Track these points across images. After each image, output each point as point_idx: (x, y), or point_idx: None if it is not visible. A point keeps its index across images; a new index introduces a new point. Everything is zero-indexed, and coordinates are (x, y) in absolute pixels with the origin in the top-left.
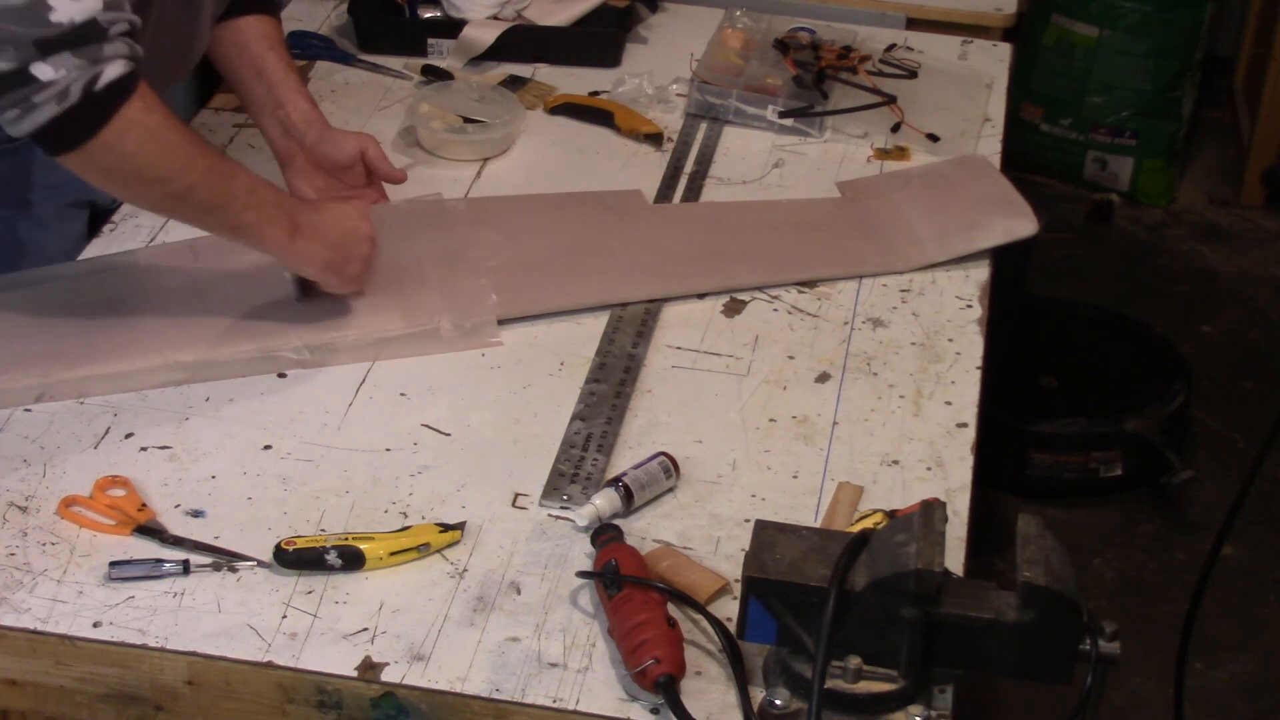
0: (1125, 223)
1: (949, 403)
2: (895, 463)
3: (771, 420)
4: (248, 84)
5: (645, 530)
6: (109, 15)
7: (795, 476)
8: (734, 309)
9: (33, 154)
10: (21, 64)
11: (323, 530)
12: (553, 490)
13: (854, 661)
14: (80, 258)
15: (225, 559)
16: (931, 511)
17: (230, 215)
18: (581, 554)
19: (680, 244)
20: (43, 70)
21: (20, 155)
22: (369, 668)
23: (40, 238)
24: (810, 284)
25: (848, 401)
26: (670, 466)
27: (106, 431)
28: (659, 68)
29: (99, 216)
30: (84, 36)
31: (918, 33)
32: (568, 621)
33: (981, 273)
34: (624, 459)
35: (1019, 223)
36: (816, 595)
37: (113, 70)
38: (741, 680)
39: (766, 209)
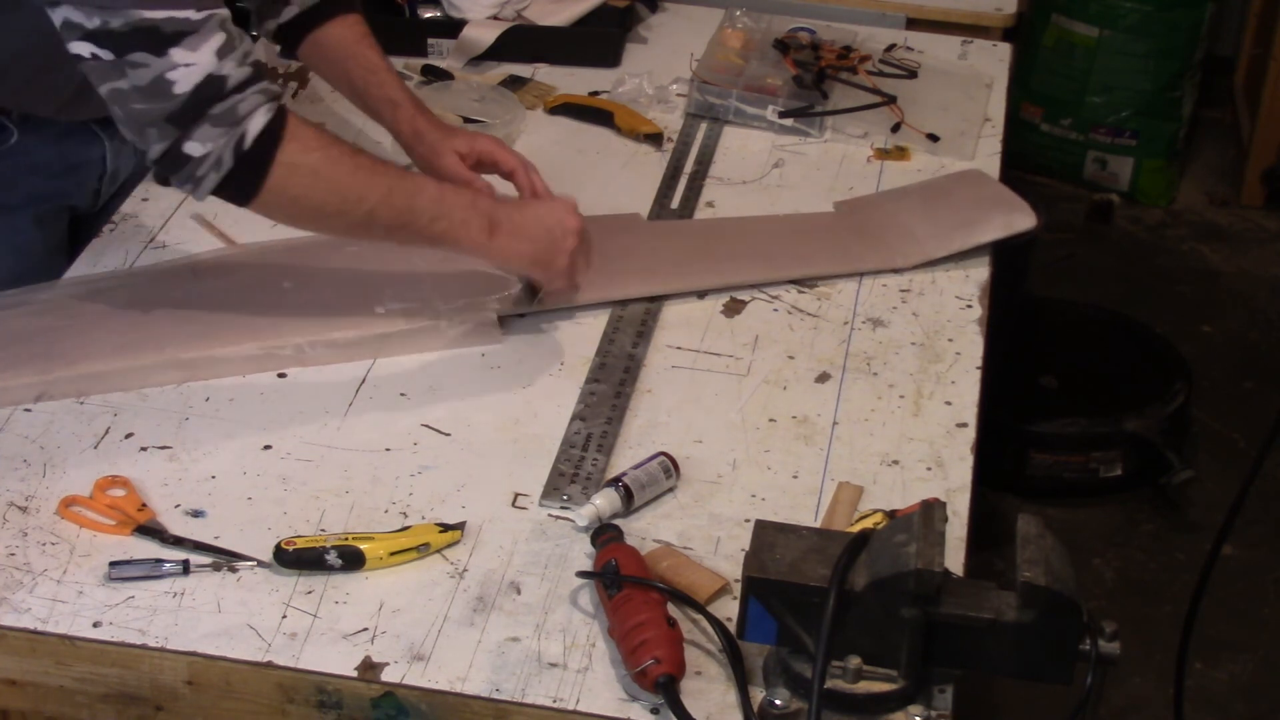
0: (1125, 223)
1: (949, 403)
2: (895, 463)
3: (771, 420)
4: (349, 96)
5: (645, 530)
6: (227, 64)
7: (795, 476)
8: (734, 309)
9: (13, 161)
10: (172, 143)
11: (323, 530)
12: (553, 490)
13: (854, 661)
14: (80, 257)
15: (225, 559)
16: (931, 511)
17: (421, 229)
18: (581, 554)
19: (680, 246)
20: (192, 148)
21: (2, 162)
22: (369, 668)
23: (20, 243)
24: (810, 284)
25: (848, 401)
26: (670, 466)
27: (106, 431)
28: (659, 68)
29: (80, 221)
30: (209, 98)
31: (918, 33)
32: (568, 621)
33: (981, 273)
34: (624, 459)
35: (1017, 217)
36: (816, 595)
37: (255, 124)
38: (741, 680)
39: (764, 222)
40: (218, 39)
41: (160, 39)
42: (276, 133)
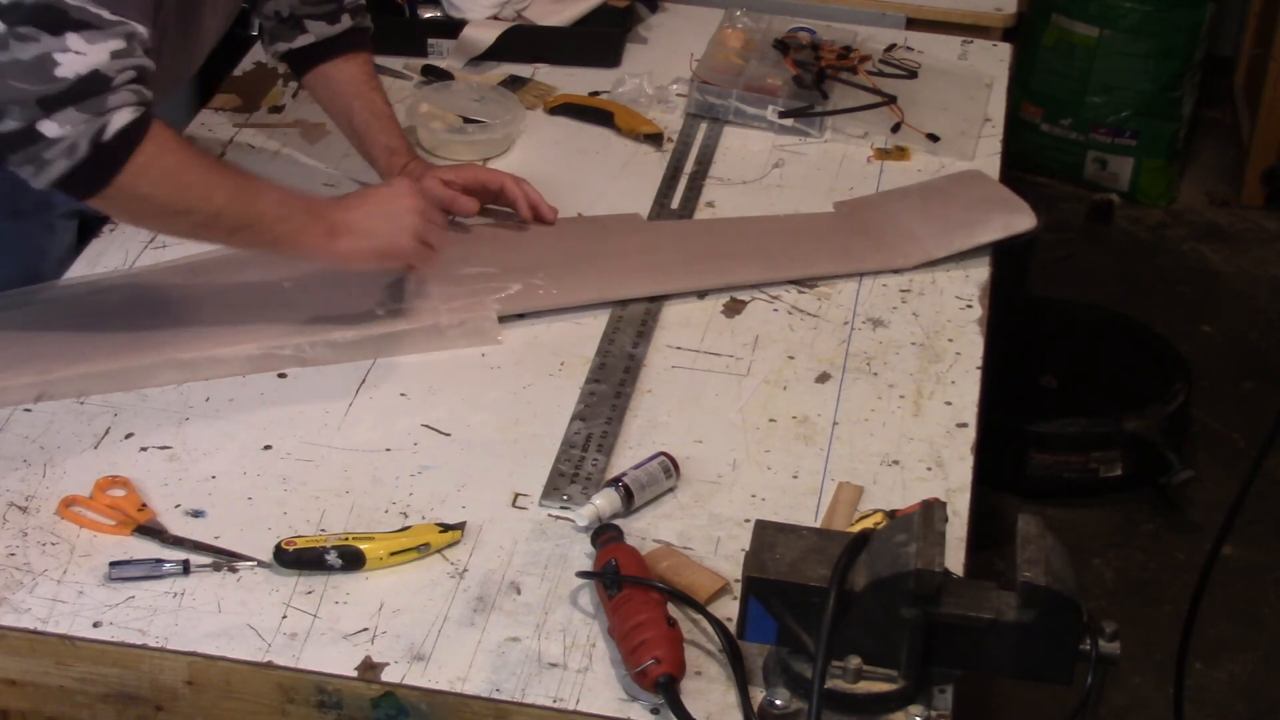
0: (1125, 223)
1: (949, 403)
2: (895, 463)
3: (771, 420)
4: (346, 132)
5: (645, 530)
6: (115, 64)
7: (795, 476)
8: (734, 309)
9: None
10: (28, 122)
11: (323, 530)
12: (553, 490)
13: (854, 661)
14: (80, 257)
15: (225, 559)
16: (931, 511)
17: (263, 232)
18: (581, 554)
19: (680, 246)
20: (48, 128)
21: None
22: (369, 668)
23: (32, 249)
24: (810, 284)
25: (848, 401)
26: (670, 466)
27: (106, 431)
28: (659, 68)
29: (89, 225)
30: (87, 90)
31: (918, 33)
32: (568, 621)
33: (981, 273)
34: (624, 459)
35: (1018, 217)
36: (816, 595)
37: (119, 119)
38: (741, 680)
39: (764, 222)
40: (117, 43)
41: (61, 21)
42: (139, 130)
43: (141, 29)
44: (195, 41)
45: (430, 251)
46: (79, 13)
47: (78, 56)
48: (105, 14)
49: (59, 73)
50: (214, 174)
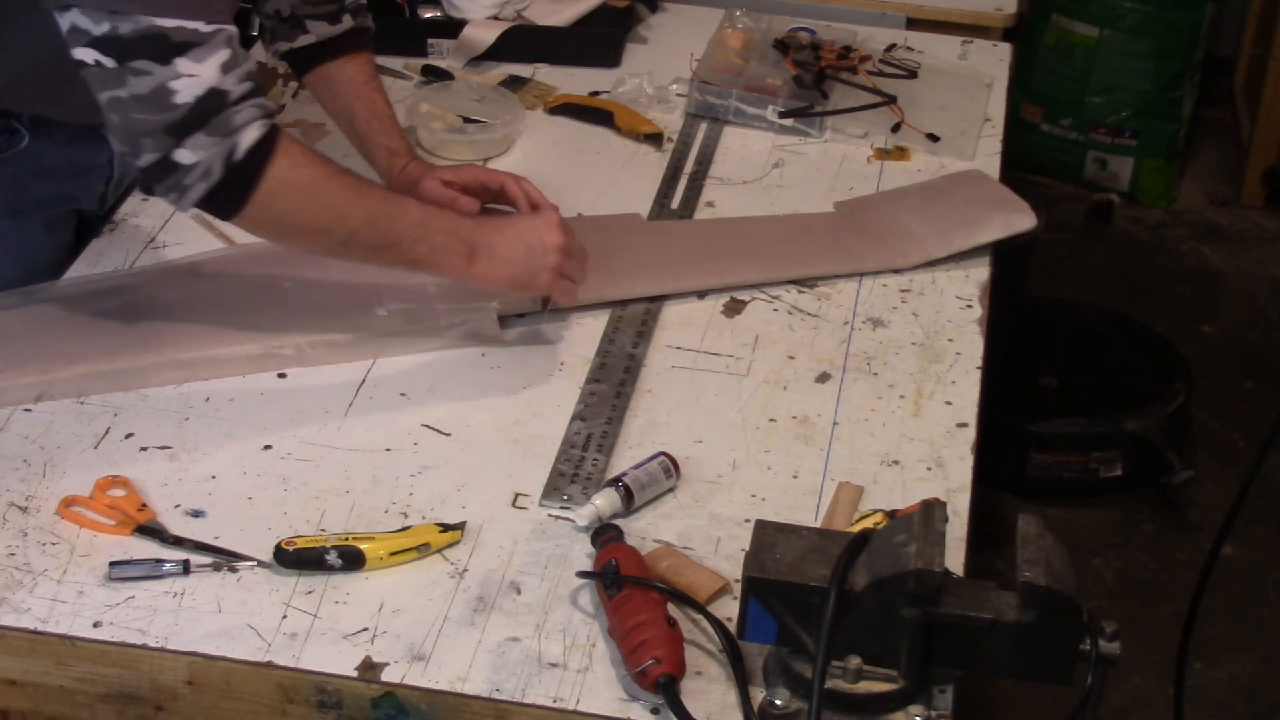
0: (1125, 223)
1: (949, 403)
2: (895, 463)
3: (771, 420)
4: (347, 132)
5: (645, 530)
6: (229, 79)
7: (795, 476)
8: (734, 309)
9: (25, 165)
10: (163, 153)
11: (323, 530)
12: (553, 490)
13: (854, 661)
14: (80, 257)
15: (225, 559)
16: (931, 511)
17: (402, 252)
18: (581, 554)
19: (680, 246)
20: (183, 155)
21: (13, 165)
22: (369, 668)
23: (31, 247)
24: (810, 284)
25: (848, 401)
26: (670, 466)
27: (106, 431)
28: (659, 68)
29: (87, 224)
30: (208, 110)
31: (918, 33)
32: (568, 621)
33: (981, 273)
34: (624, 459)
35: (1018, 218)
36: (816, 595)
37: (248, 137)
38: (741, 680)
39: (764, 222)
40: (224, 54)
41: (167, 48)
42: (269, 147)
43: (235, 29)
44: None
45: (570, 287)
46: (179, 33)
47: (191, 79)
48: (202, 26)
49: (177, 100)
50: (351, 191)
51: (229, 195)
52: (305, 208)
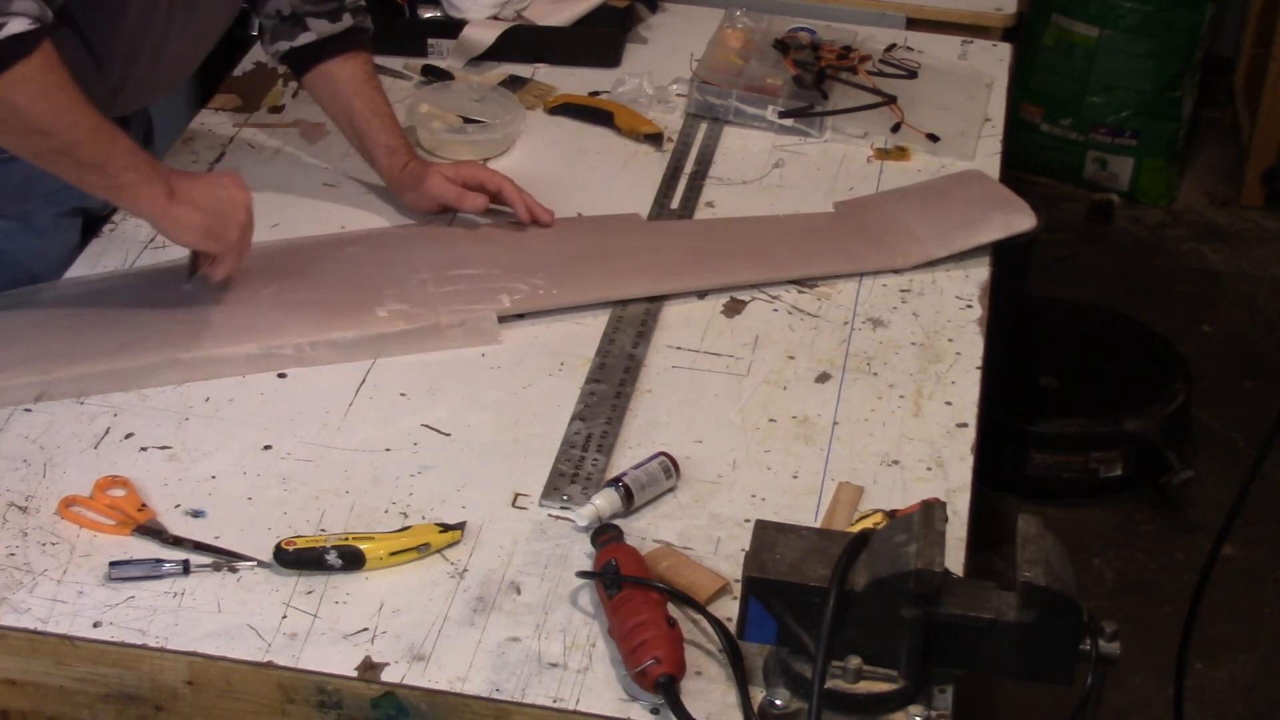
0: (1125, 223)
1: (949, 403)
2: (895, 463)
3: (771, 420)
4: (345, 130)
5: (645, 530)
6: None
7: (795, 476)
8: (734, 309)
9: (30, 164)
10: None
11: (323, 530)
12: (553, 490)
13: (854, 661)
14: (80, 257)
15: (225, 559)
16: (931, 511)
17: (110, 175)
18: (581, 554)
19: (680, 246)
20: None
21: (18, 164)
22: (369, 668)
23: (37, 247)
24: (810, 284)
25: (848, 401)
26: (670, 466)
27: (106, 431)
28: (659, 68)
29: (92, 224)
30: None
31: (918, 33)
32: (568, 621)
33: (981, 273)
34: (624, 459)
35: (1018, 218)
36: (816, 595)
37: (14, 26)
38: (741, 680)
39: (764, 222)
40: None
41: None
42: (29, 43)
43: None
44: (195, 34)
45: (234, 259)
46: None
47: None
48: None
49: None
50: (83, 106)
51: None
52: (39, 108)
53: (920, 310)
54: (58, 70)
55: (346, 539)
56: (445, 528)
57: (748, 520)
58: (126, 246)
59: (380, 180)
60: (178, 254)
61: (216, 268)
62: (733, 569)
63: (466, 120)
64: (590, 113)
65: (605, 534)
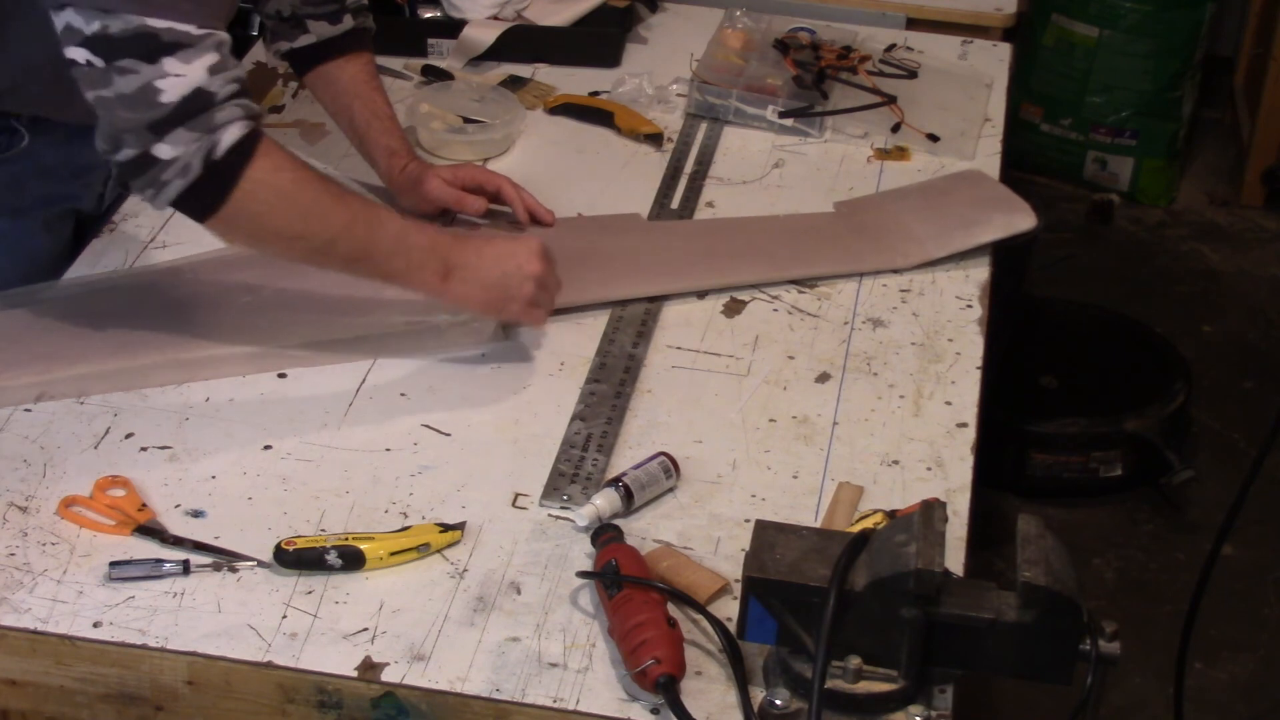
0: (1125, 223)
1: (949, 403)
2: (895, 463)
3: (771, 420)
4: (347, 131)
5: (645, 530)
6: (216, 80)
7: (795, 476)
8: (734, 309)
9: (24, 165)
10: (143, 149)
11: (323, 530)
12: (553, 490)
13: (854, 661)
14: (80, 257)
15: (225, 559)
16: (931, 511)
17: (377, 264)
18: (581, 554)
19: (680, 246)
20: (162, 150)
21: (12, 165)
22: (369, 668)
23: (32, 247)
24: (810, 284)
25: (848, 401)
26: (670, 466)
27: (106, 431)
28: (659, 68)
29: (84, 225)
30: (192, 109)
31: (918, 33)
32: (568, 621)
33: (981, 273)
34: (624, 459)
35: (1018, 218)
36: (816, 595)
37: (229, 135)
38: (741, 680)
39: (764, 222)
40: (211, 57)
41: (156, 47)
42: (250, 147)
43: (226, 36)
44: None
45: (540, 314)
46: (170, 35)
47: (177, 79)
48: (193, 29)
49: (163, 99)
50: (330, 198)
51: (206, 194)
52: (283, 212)
53: (920, 310)
54: (291, 168)
55: (346, 539)
56: (445, 528)
57: (748, 520)
58: (126, 246)
59: (380, 181)
60: (178, 253)
61: (524, 323)
62: (733, 569)
63: (466, 120)
64: (590, 113)
65: (605, 534)
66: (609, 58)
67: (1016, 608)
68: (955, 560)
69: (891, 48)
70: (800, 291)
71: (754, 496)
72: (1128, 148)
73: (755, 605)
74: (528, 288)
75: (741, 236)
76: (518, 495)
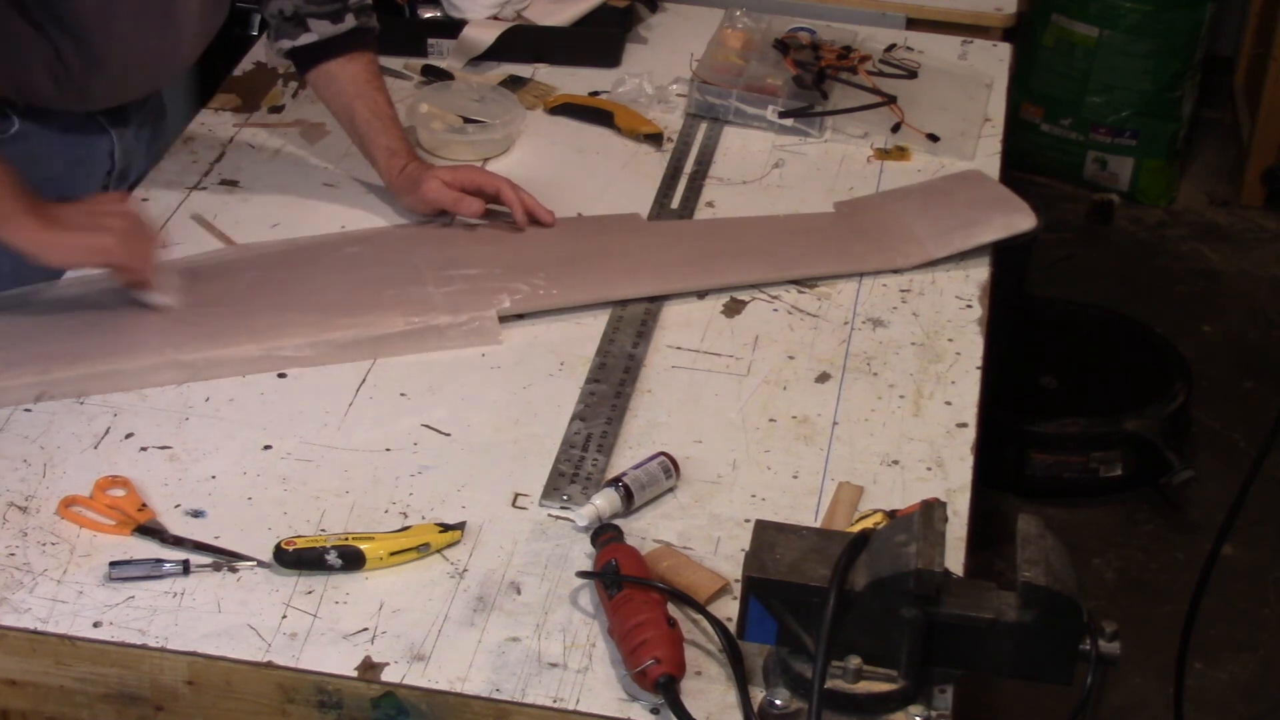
0: (1125, 223)
1: (949, 403)
2: (895, 463)
3: (771, 420)
4: (348, 130)
5: (645, 530)
6: None
7: (795, 476)
8: (734, 309)
9: (16, 151)
10: None
11: (323, 530)
12: (553, 490)
13: (854, 661)
14: None
15: (225, 559)
16: (931, 511)
17: None
18: (581, 554)
19: (680, 246)
20: None
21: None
22: (369, 668)
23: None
24: (810, 284)
25: (848, 401)
26: (670, 466)
27: (106, 431)
28: (659, 68)
29: None
30: None
31: (918, 33)
32: (568, 621)
33: (981, 273)
34: (624, 459)
35: (1018, 218)
36: (816, 595)
37: None
38: (741, 680)
39: (764, 222)
40: None
41: None
42: None
43: None
44: (174, 26)
45: (130, 250)
46: None
47: None
48: None
49: None
50: None
51: None
52: None
53: (920, 310)
54: None
55: (346, 539)
56: (445, 528)
57: (748, 520)
58: None
59: (380, 180)
60: (178, 253)
61: (121, 276)
62: (733, 569)
63: (466, 120)
64: (590, 113)
65: (605, 534)
66: (609, 58)
67: (1016, 608)
68: (955, 560)
69: (891, 48)
70: (800, 291)
71: (754, 496)
72: (1128, 148)
73: (755, 605)
74: (114, 220)
75: (741, 236)
76: (518, 495)
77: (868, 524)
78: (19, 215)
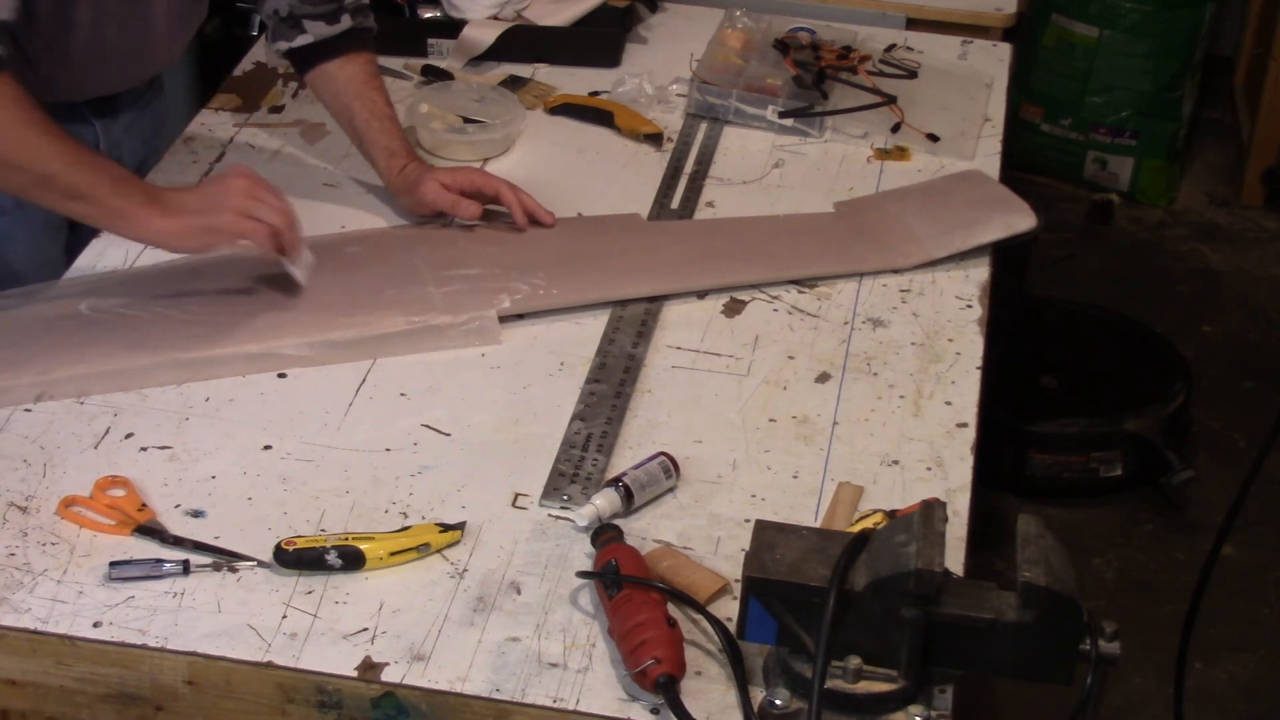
0: (1125, 223)
1: (949, 403)
2: (895, 463)
3: (771, 420)
4: (347, 130)
5: (645, 530)
6: None
7: (795, 476)
8: (734, 309)
9: None
10: None
11: (323, 530)
12: (553, 490)
13: (854, 661)
14: (80, 257)
15: (225, 559)
16: (931, 511)
17: (99, 202)
18: (581, 554)
19: (680, 246)
20: None
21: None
22: (369, 668)
23: (23, 249)
24: (810, 284)
25: (848, 401)
26: (670, 466)
27: (106, 431)
28: (659, 68)
29: (77, 226)
30: None
31: (918, 33)
32: (568, 621)
33: (981, 273)
34: (624, 459)
35: (1018, 218)
36: (816, 595)
37: None
38: (741, 680)
39: (764, 222)
40: None
41: None
42: None
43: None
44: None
45: (259, 229)
46: None
47: None
48: None
49: None
50: (53, 139)
51: None
52: (6, 143)
53: (920, 310)
54: (15, 104)
55: (346, 539)
56: (445, 528)
57: (748, 520)
58: (126, 246)
59: (380, 180)
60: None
61: (255, 242)
62: (733, 569)
63: (466, 120)
64: (590, 113)
65: (605, 534)
66: (609, 58)
67: (1016, 608)
68: (955, 560)
69: (891, 48)
70: (800, 291)
71: (754, 496)
72: (1128, 148)
73: (755, 605)
74: (234, 198)
75: (741, 236)
76: (518, 495)
77: (868, 524)
78: (135, 209)
